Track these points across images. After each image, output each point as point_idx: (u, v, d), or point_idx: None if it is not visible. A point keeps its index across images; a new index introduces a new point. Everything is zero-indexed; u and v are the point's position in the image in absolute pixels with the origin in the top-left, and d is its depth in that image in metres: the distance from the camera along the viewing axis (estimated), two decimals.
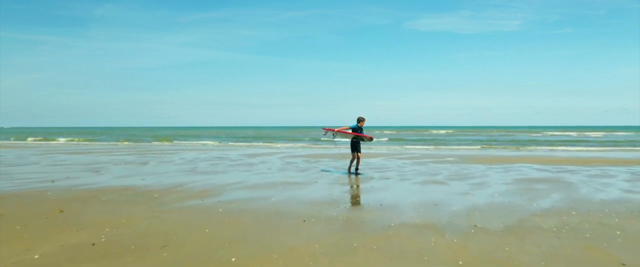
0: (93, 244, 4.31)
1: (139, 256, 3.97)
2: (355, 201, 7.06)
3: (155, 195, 7.53)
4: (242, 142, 36.74)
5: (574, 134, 52.84)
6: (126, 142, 35.48)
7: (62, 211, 5.96)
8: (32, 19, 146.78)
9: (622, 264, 3.79)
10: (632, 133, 53.29)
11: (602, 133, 54.54)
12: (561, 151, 21.42)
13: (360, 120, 10.62)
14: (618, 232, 4.89)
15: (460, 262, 3.82)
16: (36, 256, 3.92)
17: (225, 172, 11.57)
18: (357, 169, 10.80)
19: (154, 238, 4.60)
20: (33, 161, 15.21)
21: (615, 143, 30.11)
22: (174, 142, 36.07)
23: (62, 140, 40.88)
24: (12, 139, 44.84)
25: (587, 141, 33.76)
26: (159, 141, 37.53)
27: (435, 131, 68.93)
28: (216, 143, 33.91)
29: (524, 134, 52.99)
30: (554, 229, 5.04)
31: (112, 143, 33.94)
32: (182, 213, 5.97)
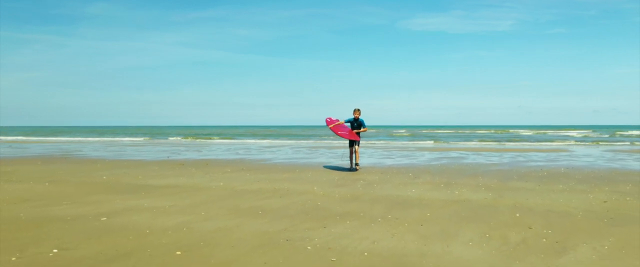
0: (242, 169, 12.04)
1: (265, 169, 11.63)
2: (339, 163, 14.83)
3: (237, 161, 15.21)
4: (251, 138, 44.37)
5: (549, 132, 61.42)
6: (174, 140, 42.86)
7: (207, 164, 13.67)
8: (23, 17, 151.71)
9: (436, 180, 11.57)
10: (590, 131, 61.71)
11: (575, 132, 63.43)
12: (504, 144, 29.49)
13: (355, 111, 11.59)
14: (443, 169, 12.71)
15: (375, 171, 11.57)
16: (228, 170, 11.64)
17: (260, 154, 19.25)
18: (357, 164, 11.91)
19: (266, 166, 12.26)
20: (125, 149, 22.73)
21: (559, 140, 38.37)
22: (188, 138, 43.58)
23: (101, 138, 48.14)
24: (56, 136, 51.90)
25: (535, 140, 41.95)
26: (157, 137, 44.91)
27: (426, 131, 77.14)
28: (232, 139, 41.45)
29: (503, 133, 61.21)
30: (421, 167, 12.87)
31: (138, 139, 41.32)
32: (262, 163, 13.66)
